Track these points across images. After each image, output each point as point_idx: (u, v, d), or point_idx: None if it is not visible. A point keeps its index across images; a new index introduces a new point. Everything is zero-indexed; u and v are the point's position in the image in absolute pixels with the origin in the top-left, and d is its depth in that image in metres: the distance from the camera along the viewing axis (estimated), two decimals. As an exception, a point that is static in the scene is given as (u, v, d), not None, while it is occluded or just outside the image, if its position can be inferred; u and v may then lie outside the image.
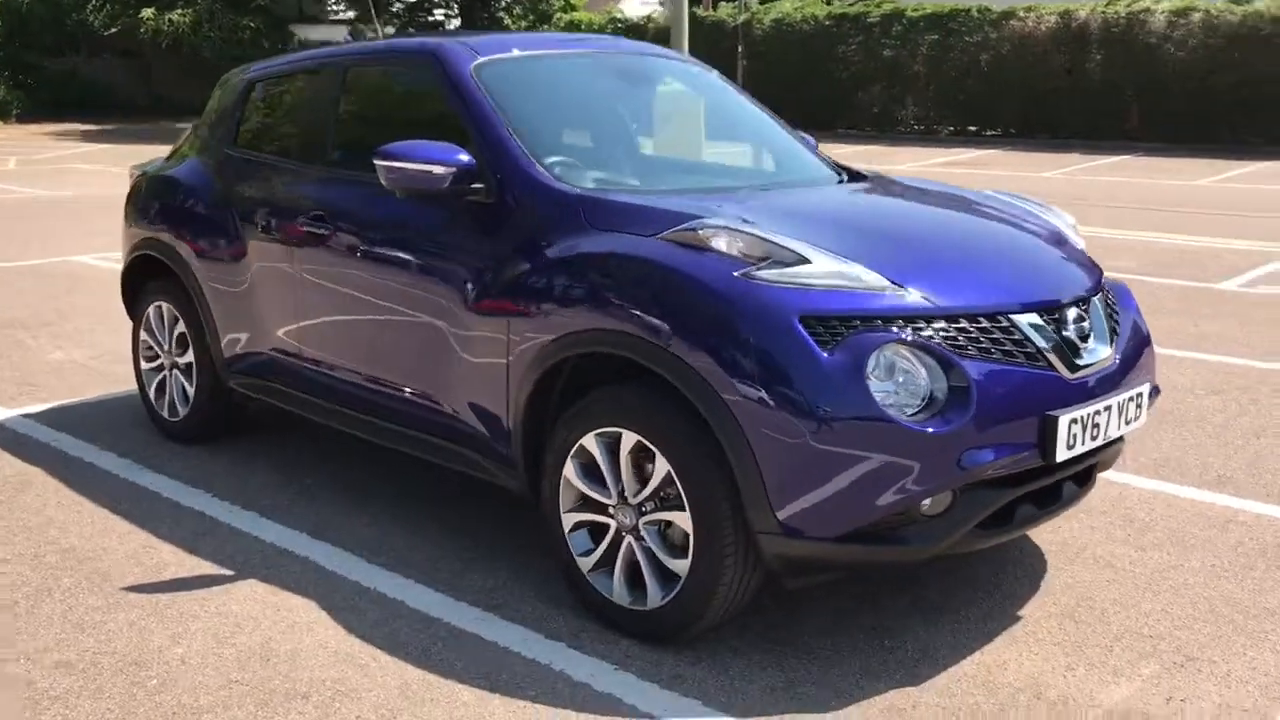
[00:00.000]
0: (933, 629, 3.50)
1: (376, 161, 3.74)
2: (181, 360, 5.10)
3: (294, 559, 4.00)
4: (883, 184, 4.33)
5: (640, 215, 3.47)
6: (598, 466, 3.41)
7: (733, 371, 3.04)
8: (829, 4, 27.26)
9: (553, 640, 3.42)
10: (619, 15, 30.18)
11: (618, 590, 3.41)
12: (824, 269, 3.12)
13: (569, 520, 3.51)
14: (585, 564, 3.49)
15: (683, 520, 3.20)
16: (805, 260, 3.13)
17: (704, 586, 3.20)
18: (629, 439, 3.29)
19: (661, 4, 34.19)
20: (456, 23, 32.43)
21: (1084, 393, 3.25)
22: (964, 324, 3.14)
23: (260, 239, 4.57)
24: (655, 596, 3.32)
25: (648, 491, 3.28)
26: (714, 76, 4.93)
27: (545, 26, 30.24)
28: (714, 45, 24.67)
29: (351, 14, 34.13)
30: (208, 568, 3.94)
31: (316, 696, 3.13)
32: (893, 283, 3.15)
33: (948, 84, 24.22)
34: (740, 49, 25.45)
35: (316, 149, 4.52)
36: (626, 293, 3.28)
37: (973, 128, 24.45)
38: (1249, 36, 20.72)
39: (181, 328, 5.04)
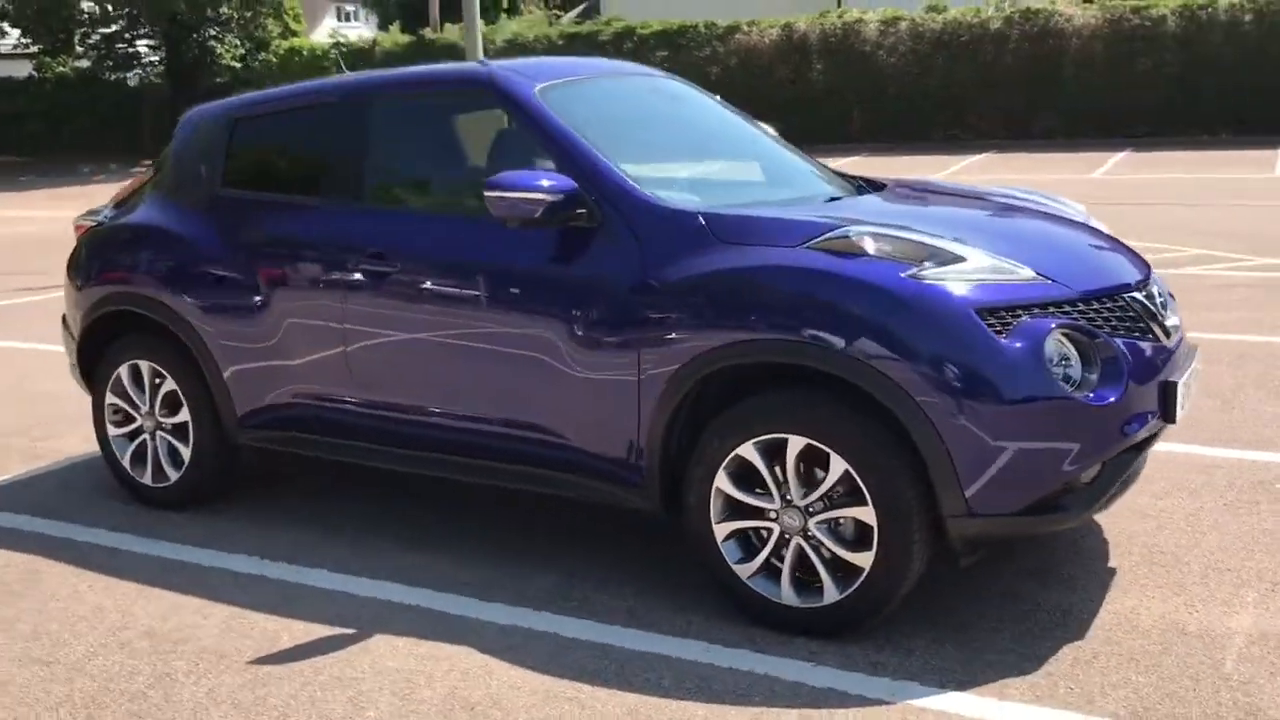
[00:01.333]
0: (1050, 590, 3.81)
1: (488, 194, 3.70)
2: (169, 421, 4.75)
3: (405, 609, 3.86)
4: (932, 189, 4.64)
5: (776, 228, 3.60)
6: (754, 473, 3.51)
7: (919, 368, 3.24)
8: (552, 25, 27.77)
9: (733, 648, 3.50)
10: (342, 40, 29.51)
11: (786, 592, 3.53)
12: (982, 264, 3.38)
13: (722, 530, 3.60)
14: (744, 571, 3.58)
15: (865, 515, 3.36)
16: (961, 258, 3.37)
17: (891, 576, 3.37)
18: (796, 443, 3.42)
19: (381, 27, 33.65)
20: (161, 54, 30.76)
21: (1178, 358, 3.66)
22: (1097, 305, 3.47)
23: (289, 284, 4.36)
24: (833, 592, 3.46)
25: (820, 492, 3.42)
26: (711, 97, 5.08)
27: (264, 53, 29.17)
28: (454, 67, 24.59)
29: (36, 48, 31.75)
30: (324, 630, 3.74)
31: (552, 735, 3.09)
32: (1037, 274, 3.44)
33: (681, 97, 25.17)
34: (478, 70, 25.51)
35: (350, 185, 4.35)
36: (793, 302, 3.41)
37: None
38: (950, 42, 22.75)
39: (169, 386, 4.70)
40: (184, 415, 4.71)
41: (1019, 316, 3.31)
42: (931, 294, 3.29)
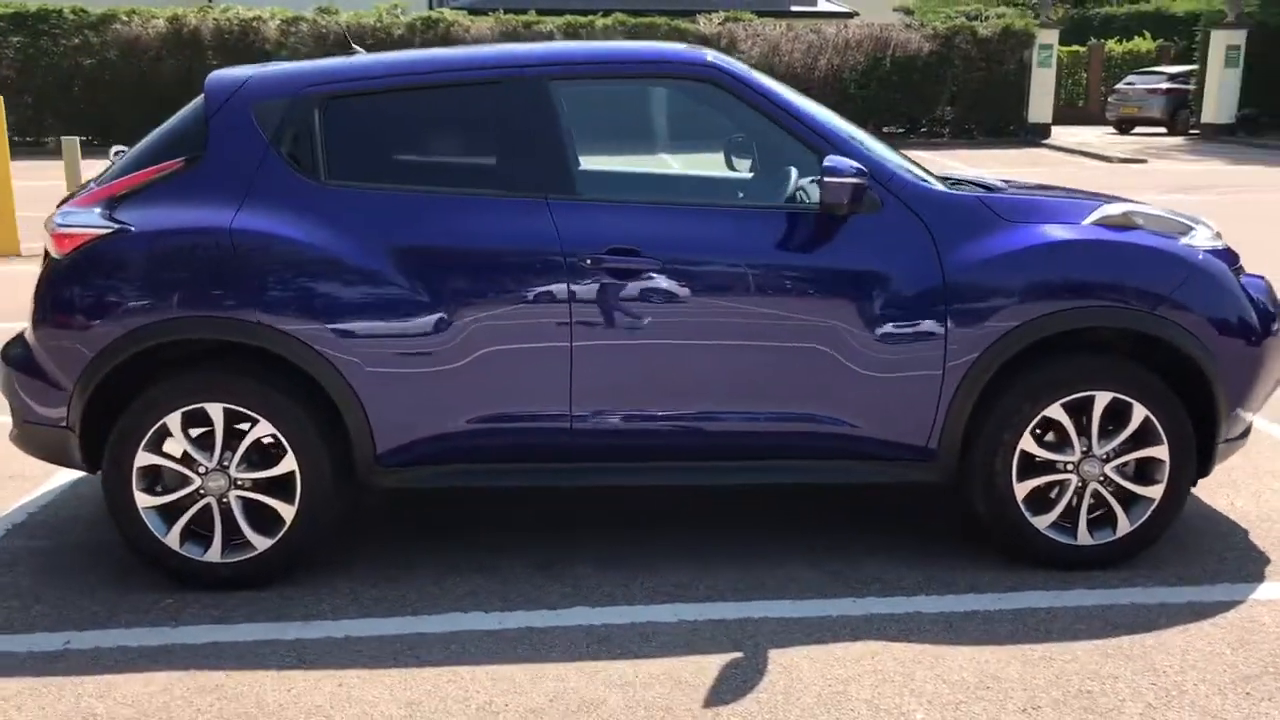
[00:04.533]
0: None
1: (830, 180, 3.60)
2: (254, 476, 3.77)
3: (776, 621, 3.61)
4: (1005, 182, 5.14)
5: (1055, 207, 3.98)
6: (1058, 429, 3.88)
7: (1212, 319, 3.86)
8: None
9: (1062, 589, 3.83)
10: None
11: (1082, 534, 3.95)
12: (1208, 232, 4.07)
13: (1022, 489, 3.90)
14: (1042, 522, 3.93)
15: (1159, 453, 3.91)
16: (1192, 228, 4.04)
17: (1177, 500, 3.96)
18: (1103, 398, 3.86)
19: None
20: None
21: None
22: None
23: (482, 294, 3.72)
24: (1125, 525, 3.95)
25: (1120, 439, 3.89)
26: None
27: None
28: None
29: None
30: (728, 657, 3.39)
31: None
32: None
33: (50, 91, 22.31)
34: None
35: (550, 176, 3.80)
36: (1106, 271, 3.82)
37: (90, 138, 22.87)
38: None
39: (262, 431, 3.73)
40: (286, 465, 3.76)
41: (1239, 273, 4.07)
42: (1206, 259, 3.93)
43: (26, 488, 4.81)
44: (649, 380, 3.82)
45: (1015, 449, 3.86)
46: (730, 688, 3.24)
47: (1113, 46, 31.85)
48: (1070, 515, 3.93)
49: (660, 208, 3.95)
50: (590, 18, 23.35)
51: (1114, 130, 27.47)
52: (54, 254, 3.80)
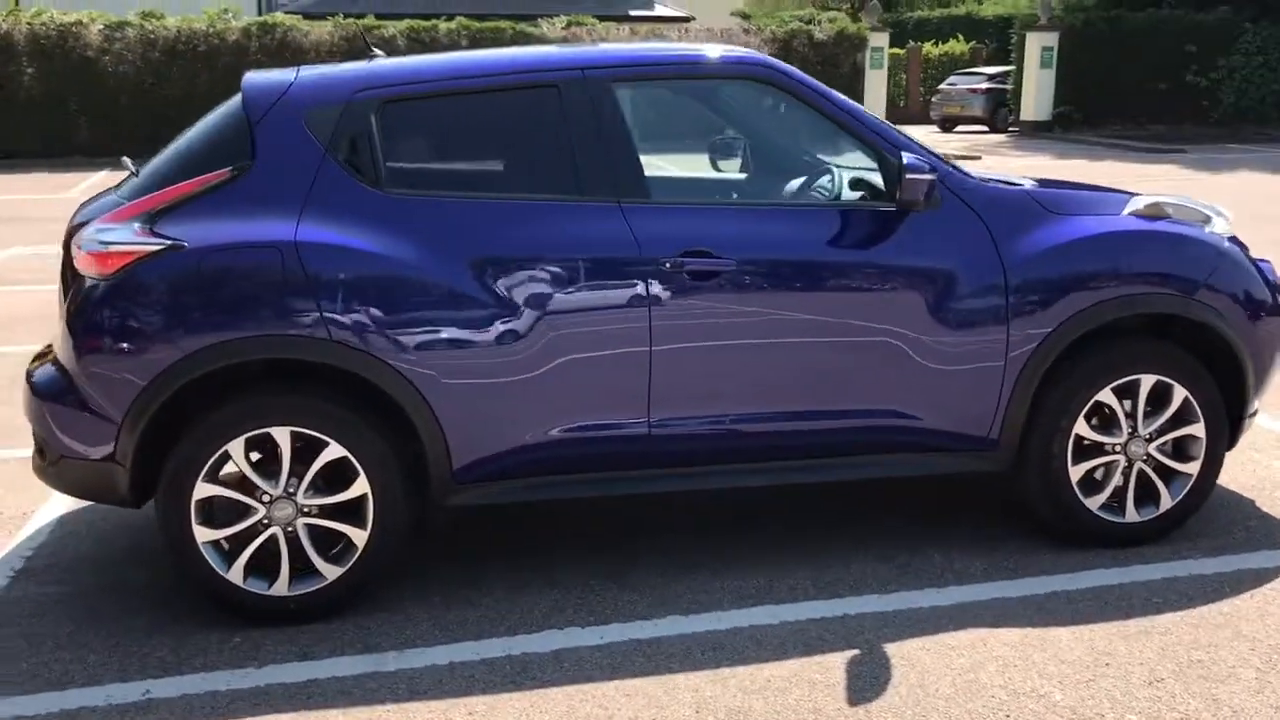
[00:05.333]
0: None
1: (912, 177, 3.65)
2: (322, 502, 3.58)
3: (876, 616, 3.63)
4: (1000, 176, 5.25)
5: (1093, 200, 4.14)
6: (1108, 414, 4.04)
7: (1239, 301, 4.10)
8: None
9: (1121, 566, 3.99)
10: None
11: (1130, 511, 4.12)
12: (1224, 221, 4.30)
13: (1076, 472, 4.05)
14: (1094, 503, 4.09)
15: (1196, 430, 4.11)
16: (1211, 217, 4.27)
17: (1212, 477, 4.18)
18: (1148, 381, 4.04)
19: None
20: None
21: None
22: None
23: (561, 301, 3.62)
24: (1167, 501, 4.14)
25: (1162, 419, 4.08)
26: None
27: None
28: None
29: None
30: (847, 653, 3.39)
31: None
32: None
33: None
34: None
35: (622, 180, 3.71)
36: (1151, 260, 4.01)
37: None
38: (186, 51, 21.85)
39: (333, 454, 3.54)
40: (358, 488, 3.58)
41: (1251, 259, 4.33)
42: (1230, 247, 4.16)
43: (7, 528, 4.43)
44: (725, 382, 3.79)
45: (1071, 433, 4.00)
46: (864, 685, 3.25)
47: (929, 49, 33.27)
48: (1117, 494, 4.10)
49: (729, 208, 3.95)
50: (433, 21, 22.97)
51: (938, 129, 28.67)
52: (92, 275, 3.51)
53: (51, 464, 3.62)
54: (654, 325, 3.69)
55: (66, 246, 3.77)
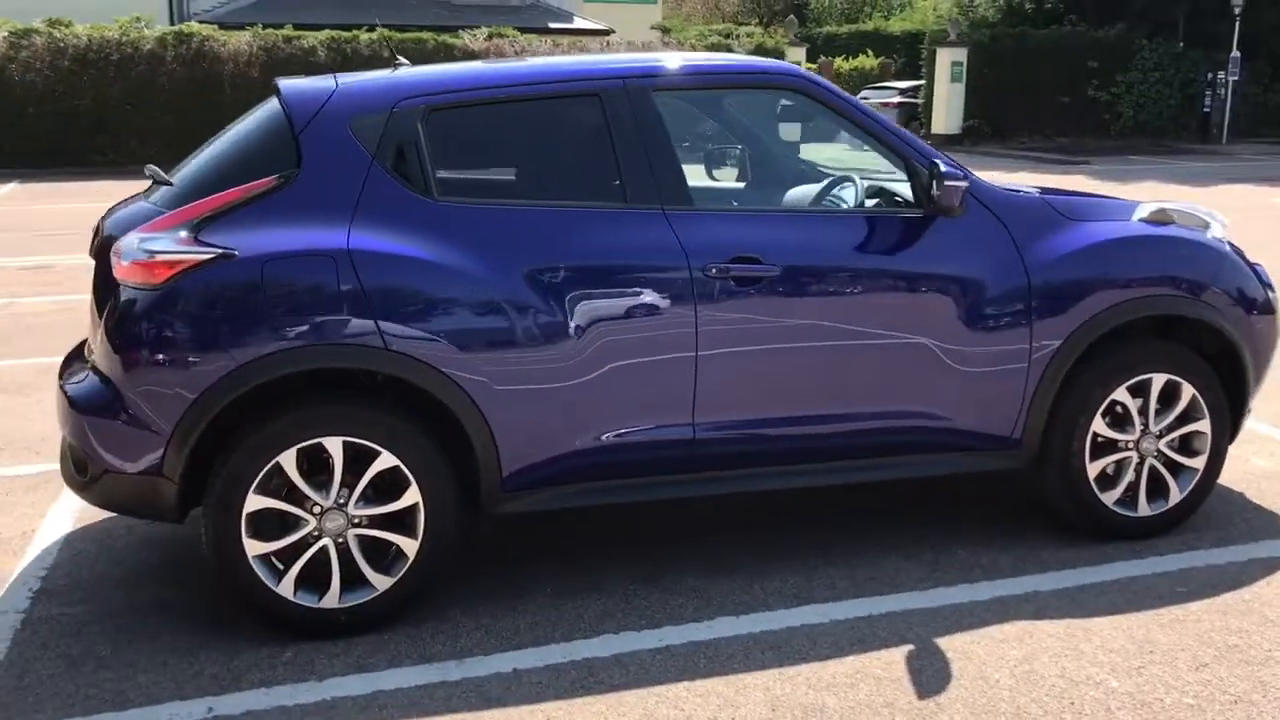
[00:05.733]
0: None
1: (951, 184, 3.76)
2: (371, 512, 3.55)
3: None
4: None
5: (1103, 206, 4.30)
6: (1121, 412, 4.20)
7: (1239, 302, 4.29)
8: None
9: (1138, 558, 4.14)
10: None
11: (1142, 505, 4.29)
12: (1221, 226, 4.50)
13: (1094, 468, 4.20)
14: (1110, 498, 4.24)
15: (1203, 426, 4.29)
16: (1209, 223, 4.47)
17: (1215, 473, 4.37)
18: (1159, 380, 4.21)
19: None
20: None
21: None
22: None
23: (610, 307, 3.65)
24: (1176, 496, 4.32)
25: (1171, 416, 4.26)
26: None
27: None
28: None
29: None
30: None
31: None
32: None
33: None
34: None
35: (665, 186, 3.75)
36: (1162, 264, 4.19)
37: None
38: (99, 60, 21.28)
39: (385, 464, 3.51)
40: (409, 498, 3.56)
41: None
42: (1229, 251, 4.36)
43: (11, 549, 4.30)
44: (767, 386, 3.86)
45: (1089, 431, 4.15)
46: (928, 678, 3.33)
47: (840, 64, 33.90)
48: (1130, 489, 4.26)
49: (769, 215, 4.02)
50: (354, 32, 22.71)
51: (852, 142, 29.19)
52: (137, 285, 3.44)
53: (92, 479, 3.54)
54: (700, 331, 3.74)
55: (100, 257, 3.69)
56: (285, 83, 3.86)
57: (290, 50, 22.17)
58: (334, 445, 3.49)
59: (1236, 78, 26.41)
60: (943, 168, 3.81)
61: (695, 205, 3.84)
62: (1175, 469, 4.31)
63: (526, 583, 3.97)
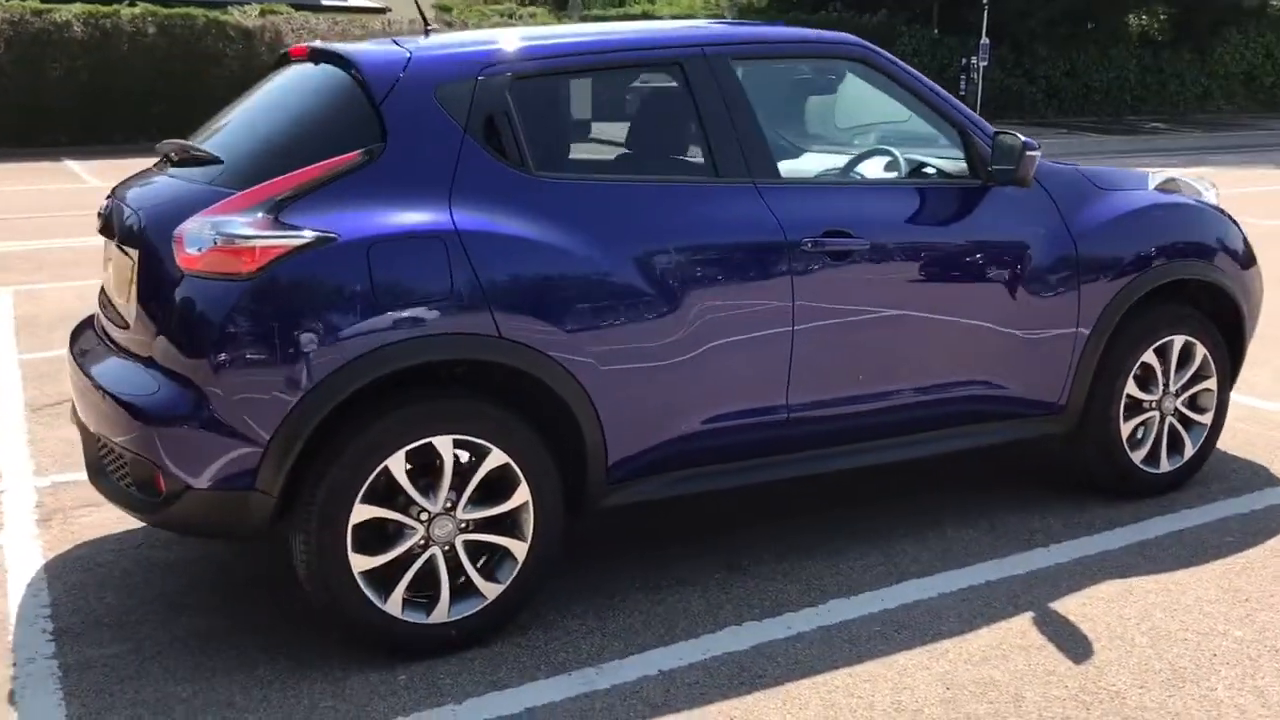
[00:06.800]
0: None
1: (1029, 153, 3.78)
2: (481, 516, 3.25)
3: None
4: None
5: (1125, 176, 4.44)
6: (1144, 374, 4.38)
7: (1237, 261, 4.53)
8: None
9: (1169, 514, 4.33)
10: None
11: (1164, 462, 4.48)
12: (1214, 192, 4.74)
13: (1127, 428, 4.36)
14: (1138, 456, 4.42)
15: (1211, 384, 4.53)
16: (1204, 190, 4.70)
17: (1220, 425, 4.61)
18: (1178, 341, 4.41)
19: None
20: None
21: None
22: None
23: (711, 285, 3.48)
24: (1189, 450, 4.53)
25: (1187, 376, 4.47)
26: None
27: None
28: None
29: None
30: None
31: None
32: None
33: None
34: None
35: (752, 158, 3.59)
36: (1188, 230, 4.39)
37: None
38: None
39: (496, 463, 3.24)
40: (519, 497, 3.30)
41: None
42: (1226, 215, 4.60)
43: (18, 576, 3.75)
44: (855, 362, 3.79)
45: (1123, 394, 4.30)
46: (1071, 643, 3.35)
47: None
48: (1154, 447, 4.44)
49: (852, 187, 3.94)
50: (114, 7, 21.01)
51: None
52: (219, 275, 3.01)
53: (167, 500, 3.08)
54: (796, 307, 3.63)
55: (136, 243, 3.24)
56: (345, 48, 3.48)
57: (40, 25, 20.30)
58: (444, 444, 3.18)
59: (986, 63, 28.17)
60: (1024, 138, 3.84)
61: (781, 178, 3.72)
62: (1188, 425, 4.52)
63: (608, 580, 3.76)
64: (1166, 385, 4.41)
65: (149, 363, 3.18)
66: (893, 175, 4.18)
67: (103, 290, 3.77)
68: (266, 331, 3.00)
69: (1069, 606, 3.58)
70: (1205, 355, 4.46)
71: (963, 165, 4.07)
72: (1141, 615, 3.52)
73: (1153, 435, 4.42)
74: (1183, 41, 30.65)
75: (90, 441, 3.44)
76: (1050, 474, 4.64)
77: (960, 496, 4.46)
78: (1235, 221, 4.68)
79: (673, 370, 3.47)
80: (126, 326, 3.33)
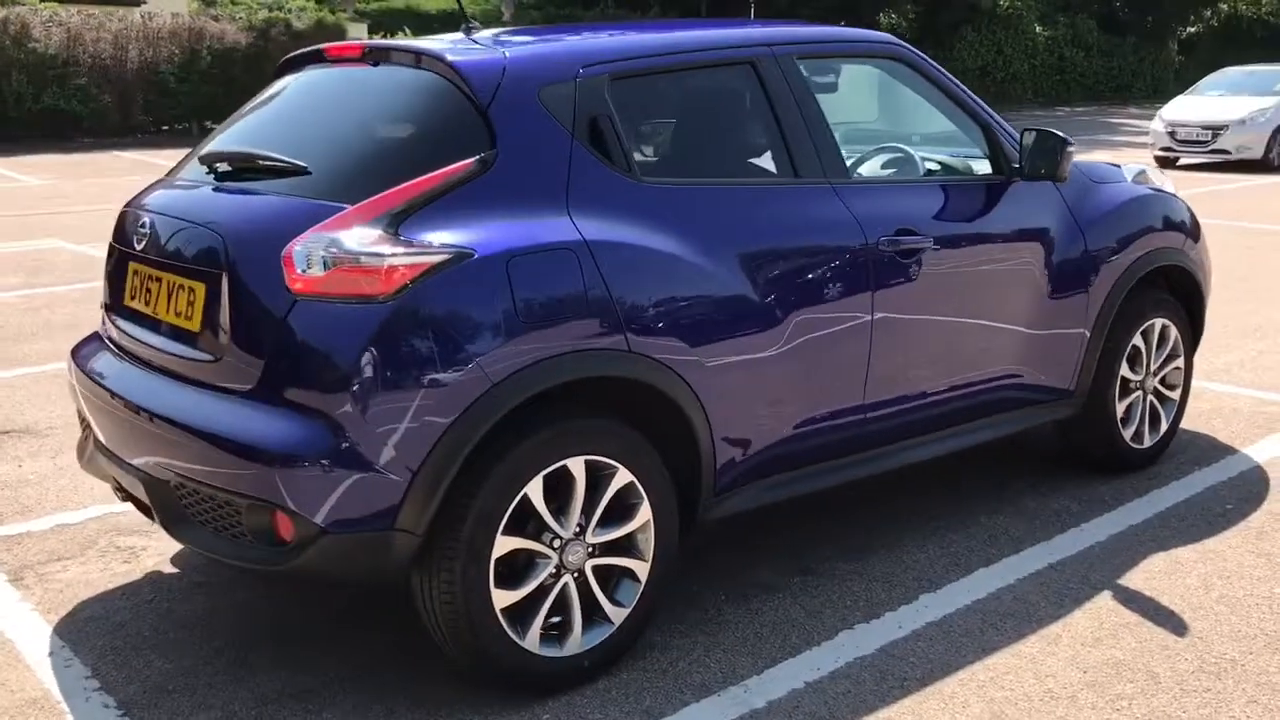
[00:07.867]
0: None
1: (1070, 149, 3.94)
2: (607, 538, 3.10)
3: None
4: None
5: (1109, 171, 4.66)
6: (1138, 354, 4.64)
7: (1193, 245, 4.84)
8: None
9: (1162, 486, 4.61)
10: None
11: (1146, 438, 4.76)
12: (1170, 182, 5.05)
13: (1120, 409, 4.61)
14: (1127, 434, 4.68)
15: (1180, 362, 4.84)
16: (1165, 181, 5.02)
17: (1186, 398, 4.94)
18: (1157, 324, 4.69)
19: None
20: None
21: None
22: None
23: (803, 289, 3.44)
24: (1164, 424, 4.83)
25: (1164, 356, 4.76)
26: None
27: None
28: None
29: None
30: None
31: None
32: None
33: None
34: None
35: (822, 159, 3.56)
36: (1165, 217, 4.66)
37: None
38: None
39: (621, 481, 3.11)
40: (642, 516, 3.17)
41: (1181, 208, 5.14)
42: (1185, 202, 4.92)
43: (31, 648, 3.30)
44: (922, 358, 3.85)
45: (1119, 375, 4.54)
46: (1161, 618, 3.50)
47: (381, 39, 33.10)
48: (1139, 424, 4.71)
49: (914, 186, 3.97)
50: None
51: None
52: (349, 297, 2.75)
53: (297, 548, 2.77)
54: (875, 305, 3.64)
55: (228, 267, 2.92)
56: (422, 47, 3.24)
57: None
58: (577, 466, 3.01)
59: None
60: (1061, 134, 3.98)
61: (851, 178, 3.72)
62: (1162, 401, 4.82)
63: (687, 593, 3.65)
64: (1148, 365, 4.68)
65: (252, 396, 2.86)
66: (931, 173, 4.27)
67: (127, 310, 3.37)
68: (408, 357, 2.76)
69: (1136, 581, 3.74)
70: (1176, 336, 4.76)
71: (969, 163, 4.20)
72: (1202, 585, 3.72)
73: (1138, 413, 4.68)
74: (926, 39, 32.60)
75: (154, 487, 3.06)
76: (1021, 454, 4.85)
77: (966, 483, 4.58)
78: (1190, 206, 5.01)
79: (775, 375, 3.42)
80: (209, 356, 2.98)
